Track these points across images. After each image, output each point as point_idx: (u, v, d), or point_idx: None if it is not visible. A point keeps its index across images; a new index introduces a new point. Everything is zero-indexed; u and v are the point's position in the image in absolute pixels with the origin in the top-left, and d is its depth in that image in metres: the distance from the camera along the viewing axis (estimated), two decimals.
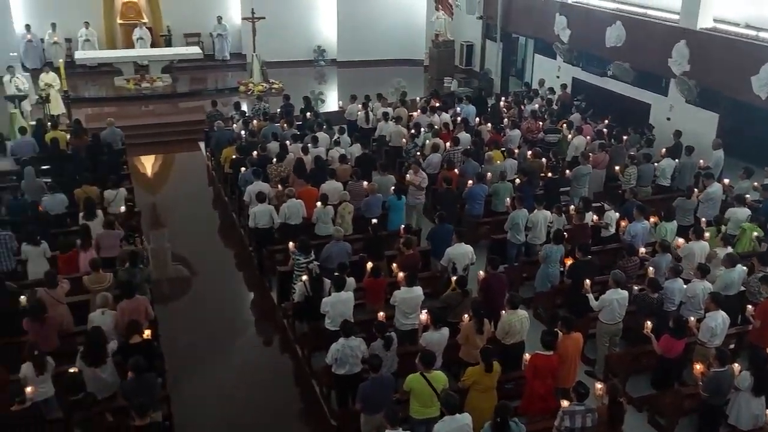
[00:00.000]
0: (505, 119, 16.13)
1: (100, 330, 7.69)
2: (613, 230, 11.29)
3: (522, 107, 16.83)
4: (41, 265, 9.65)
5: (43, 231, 10.15)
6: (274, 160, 12.96)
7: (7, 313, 8.43)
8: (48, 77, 17.02)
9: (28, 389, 6.92)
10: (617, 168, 13.33)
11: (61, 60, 18.61)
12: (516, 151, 14.00)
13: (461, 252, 9.92)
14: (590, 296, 9.10)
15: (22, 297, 8.57)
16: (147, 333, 8.04)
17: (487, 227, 12.03)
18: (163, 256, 12.47)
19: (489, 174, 12.56)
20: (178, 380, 8.96)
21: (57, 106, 16.84)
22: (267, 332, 10.64)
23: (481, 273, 9.76)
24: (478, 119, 16.15)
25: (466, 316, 8.48)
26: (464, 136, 14.32)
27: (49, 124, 14.79)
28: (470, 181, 12.29)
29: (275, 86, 20.72)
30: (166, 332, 9.47)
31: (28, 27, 20.96)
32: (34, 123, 15.28)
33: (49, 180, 12.10)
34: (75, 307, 8.85)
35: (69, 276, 9.29)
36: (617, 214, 11.44)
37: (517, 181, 12.57)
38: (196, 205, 14.82)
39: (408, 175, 12.44)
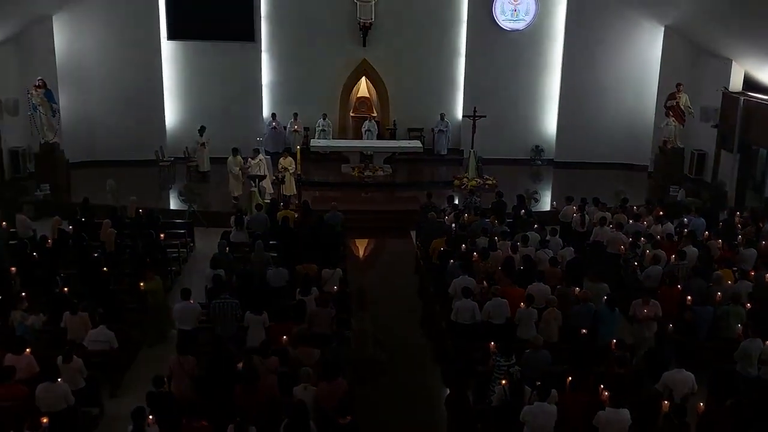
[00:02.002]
0: (740, 236, 14.72)
1: (303, 405, 7.96)
2: None
3: (761, 225, 15.27)
4: (259, 333, 10.33)
5: (265, 301, 10.91)
6: (475, 254, 12.92)
7: (224, 376, 9.04)
8: (286, 161, 18.79)
9: None
10: None
11: (298, 146, 20.45)
12: (751, 273, 12.64)
13: (680, 378, 8.99)
14: None
15: (239, 364, 9.18)
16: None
17: (713, 354, 10.83)
18: (365, 338, 12.76)
19: (718, 295, 11.42)
20: None
21: (290, 188, 18.49)
22: None
23: (702, 405, 8.75)
24: (707, 233, 14.94)
25: None
26: (691, 250, 13.25)
27: (281, 203, 16.22)
28: (688, 297, 11.29)
29: (489, 182, 20.97)
30: (360, 416, 9.56)
31: (274, 115, 23.45)
32: (269, 201, 16.81)
33: (275, 254, 13.12)
34: (283, 378, 9.23)
35: (280, 348, 9.82)
36: None
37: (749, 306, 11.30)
38: (401, 292, 15.13)
39: (636, 308, 11.24)
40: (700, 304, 11.22)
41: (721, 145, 20.69)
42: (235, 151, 19.02)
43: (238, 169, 18.70)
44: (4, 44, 18.97)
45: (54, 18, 21.07)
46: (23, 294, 11.16)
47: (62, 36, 21.39)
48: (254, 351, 9.44)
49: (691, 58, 21.77)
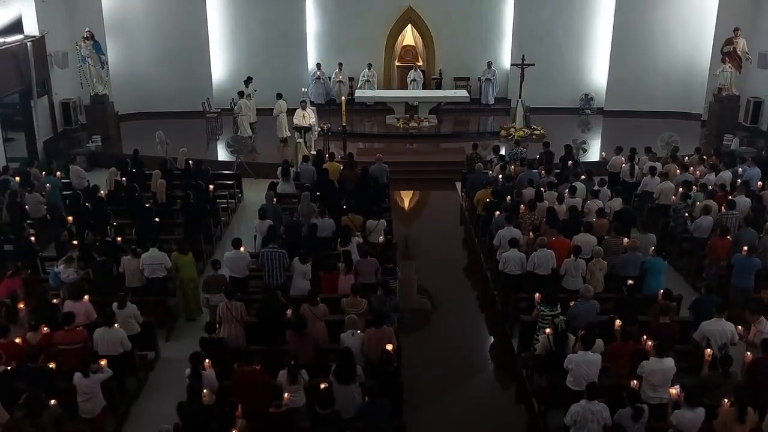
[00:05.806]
0: None
1: (350, 350, 8.19)
2: None
3: None
4: (303, 282, 10.54)
5: (311, 251, 11.09)
6: (522, 206, 12.89)
7: (275, 323, 9.32)
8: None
9: (285, 396, 7.55)
10: None
11: (343, 97, 20.34)
12: None
13: (718, 329, 8.92)
14: None
15: (288, 311, 9.43)
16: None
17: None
18: (410, 287, 12.93)
19: None
20: (415, 411, 9.18)
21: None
22: (504, 380, 10.50)
23: (749, 355, 8.69)
24: (760, 183, 14.52)
25: (726, 400, 7.60)
26: (743, 200, 12.93)
27: (327, 155, 16.23)
28: (745, 248, 11.09)
29: (536, 132, 20.65)
30: (407, 363, 9.80)
31: (318, 65, 23.24)
32: (315, 153, 16.89)
33: (320, 206, 13.25)
34: (331, 325, 9.50)
35: (329, 296, 10.05)
36: None
37: None
38: (446, 242, 15.18)
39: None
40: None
41: None
42: (279, 96, 19.56)
43: (278, 111, 19.22)
44: None
45: None
46: (74, 243, 11.36)
47: None
48: (303, 299, 9.67)
49: (750, 1, 20.79)
